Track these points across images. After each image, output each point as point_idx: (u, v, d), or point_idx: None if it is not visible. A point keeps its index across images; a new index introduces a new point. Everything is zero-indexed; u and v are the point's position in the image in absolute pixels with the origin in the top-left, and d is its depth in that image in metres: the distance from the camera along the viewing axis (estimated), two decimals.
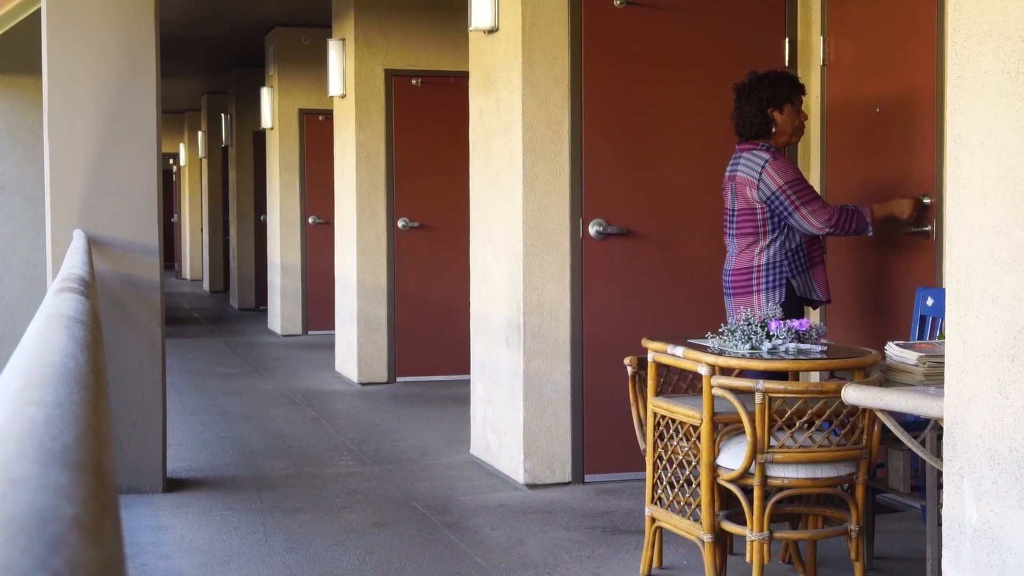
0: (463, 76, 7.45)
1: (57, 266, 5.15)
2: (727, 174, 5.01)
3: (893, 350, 3.82)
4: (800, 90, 5.04)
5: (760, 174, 4.83)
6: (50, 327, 1.77)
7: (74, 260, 3.85)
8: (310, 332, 12.79)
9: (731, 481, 3.91)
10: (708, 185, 5.74)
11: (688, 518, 4.13)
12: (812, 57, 5.91)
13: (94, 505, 0.78)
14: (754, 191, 4.84)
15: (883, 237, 5.37)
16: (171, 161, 25.06)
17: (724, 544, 4.10)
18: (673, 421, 4.17)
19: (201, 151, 19.40)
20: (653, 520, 4.32)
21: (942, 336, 4.33)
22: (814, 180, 5.89)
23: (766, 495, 3.88)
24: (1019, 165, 2.69)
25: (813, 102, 5.87)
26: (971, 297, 2.83)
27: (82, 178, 5.65)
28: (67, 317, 1.92)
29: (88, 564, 0.68)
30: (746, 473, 3.85)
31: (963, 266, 2.86)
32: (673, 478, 4.21)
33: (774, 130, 4.95)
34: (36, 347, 1.49)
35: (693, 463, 4.09)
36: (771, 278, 4.87)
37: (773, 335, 3.98)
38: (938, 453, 3.50)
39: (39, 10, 6.27)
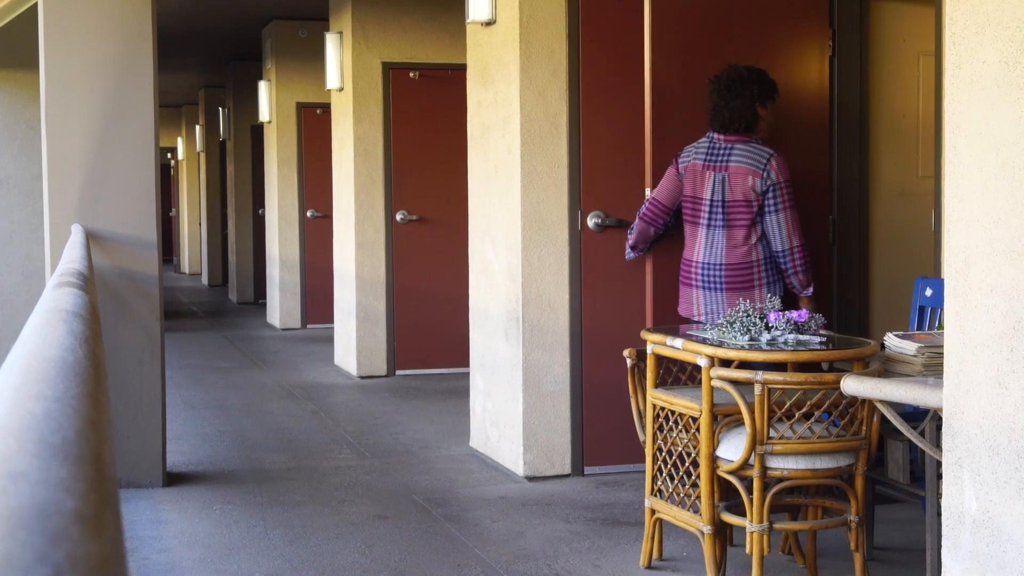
0: (461, 69, 7.45)
1: (55, 261, 5.15)
2: (698, 161, 4.87)
3: (892, 341, 3.82)
4: (778, 90, 4.99)
5: (766, 164, 4.77)
6: (49, 322, 1.77)
7: (72, 255, 3.85)
8: (309, 326, 12.79)
9: (731, 472, 3.91)
10: None
11: (688, 510, 4.13)
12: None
13: (94, 499, 0.78)
14: (757, 180, 4.77)
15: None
16: (169, 155, 25.05)
17: (724, 535, 4.11)
18: (672, 413, 4.17)
19: (199, 145, 19.38)
20: (653, 512, 4.32)
21: (941, 326, 4.33)
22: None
23: (765, 486, 3.89)
24: (1017, 155, 2.68)
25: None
26: (970, 287, 2.83)
27: (80, 173, 5.64)
28: (66, 312, 1.92)
29: (88, 558, 0.68)
30: (745, 464, 3.85)
31: (962, 256, 2.86)
32: (673, 470, 4.21)
33: (758, 126, 4.89)
34: (35, 341, 1.48)
35: (693, 455, 4.09)
36: (772, 272, 4.83)
37: (772, 326, 3.98)
38: (937, 443, 3.50)
39: (36, 4, 6.25)
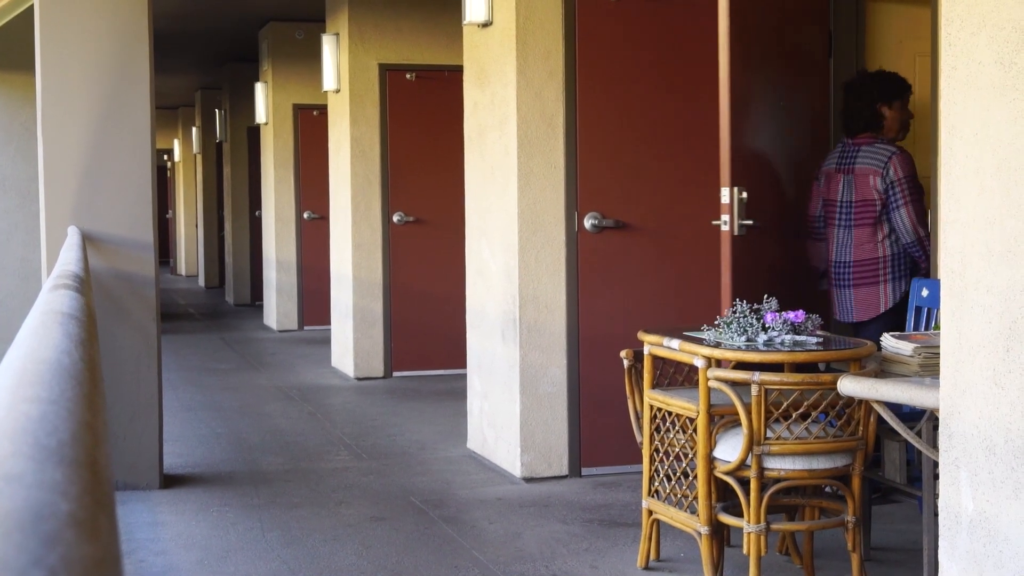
0: (457, 70, 7.44)
1: (52, 262, 5.15)
2: (832, 167, 5.13)
3: (889, 341, 3.83)
4: (909, 88, 5.20)
5: (887, 163, 4.99)
6: (45, 324, 1.77)
7: (69, 256, 3.85)
8: (306, 327, 12.79)
9: (728, 473, 3.91)
10: (703, 177, 5.74)
11: (685, 510, 4.13)
12: None
13: (89, 501, 0.78)
14: (878, 179, 4.99)
15: None
16: (165, 157, 25.03)
17: (721, 536, 4.11)
18: (670, 414, 4.17)
19: (195, 147, 19.36)
20: (650, 513, 4.32)
21: (937, 327, 4.33)
22: None
23: (763, 487, 3.89)
24: (1013, 156, 2.69)
25: None
26: (966, 288, 2.84)
27: (76, 174, 5.64)
28: (62, 314, 1.92)
29: (84, 560, 0.68)
30: (742, 465, 3.85)
31: (958, 257, 2.86)
32: (670, 471, 4.21)
33: (884, 125, 5.11)
34: (31, 344, 1.48)
35: (690, 455, 4.09)
36: (897, 268, 5.01)
37: (769, 327, 3.98)
38: (934, 444, 3.50)
39: (32, 6, 6.25)
